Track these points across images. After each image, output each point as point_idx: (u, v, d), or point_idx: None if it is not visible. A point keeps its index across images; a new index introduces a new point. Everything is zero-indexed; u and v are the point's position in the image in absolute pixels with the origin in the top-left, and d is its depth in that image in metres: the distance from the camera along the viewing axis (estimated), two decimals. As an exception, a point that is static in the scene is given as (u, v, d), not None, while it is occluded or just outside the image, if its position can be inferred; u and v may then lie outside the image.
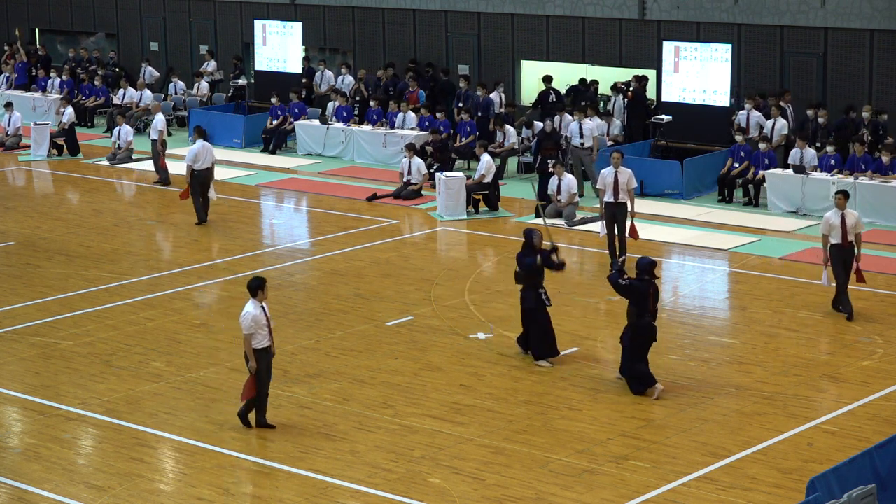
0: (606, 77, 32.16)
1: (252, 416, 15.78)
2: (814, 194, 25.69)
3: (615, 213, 22.02)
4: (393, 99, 32.85)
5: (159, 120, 29.92)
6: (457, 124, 30.90)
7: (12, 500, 14.10)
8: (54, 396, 17.00)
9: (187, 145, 33.64)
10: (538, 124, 29.46)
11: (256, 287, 15.55)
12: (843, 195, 19.80)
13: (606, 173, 22.10)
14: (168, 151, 30.32)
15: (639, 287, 16.83)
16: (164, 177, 29.60)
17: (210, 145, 26.33)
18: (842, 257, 19.55)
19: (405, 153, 28.31)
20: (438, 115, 31.02)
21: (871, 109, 27.25)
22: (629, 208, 22.07)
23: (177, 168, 29.89)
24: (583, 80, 32.10)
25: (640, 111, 30.32)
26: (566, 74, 32.81)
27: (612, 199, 22.00)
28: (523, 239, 18.30)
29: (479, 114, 31.17)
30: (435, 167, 28.70)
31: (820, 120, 27.50)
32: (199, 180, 25.77)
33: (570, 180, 25.66)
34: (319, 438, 15.50)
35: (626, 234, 22.18)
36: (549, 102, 31.08)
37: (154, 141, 29.69)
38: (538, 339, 17.96)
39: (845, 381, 17.13)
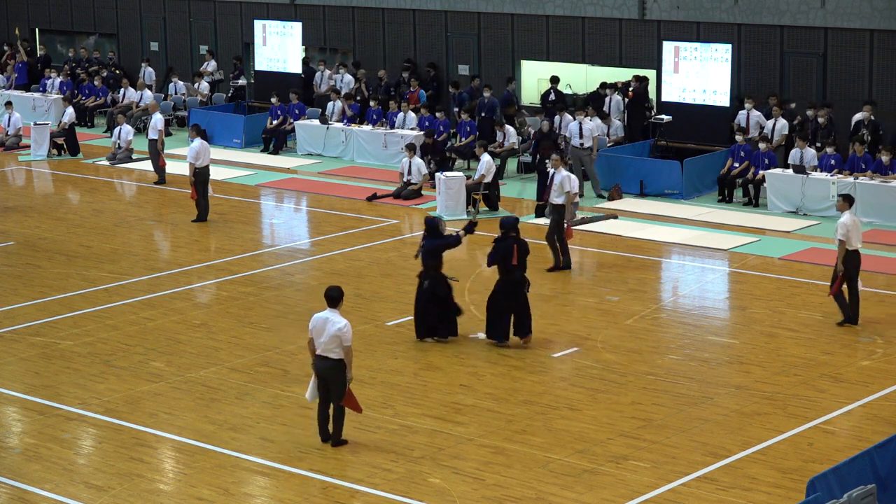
0: (605, 77, 32.16)
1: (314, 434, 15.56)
2: (814, 194, 25.68)
3: (550, 213, 22.44)
4: (393, 99, 32.86)
5: (158, 119, 29.92)
6: (457, 124, 30.91)
7: (12, 500, 14.10)
8: (54, 396, 17.00)
9: (187, 145, 33.75)
10: (538, 122, 29.48)
11: (341, 296, 15.24)
12: (842, 198, 19.47)
13: (553, 175, 22.38)
14: (167, 151, 30.33)
15: (501, 247, 18.37)
16: (162, 176, 29.63)
17: (206, 143, 26.39)
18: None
19: (405, 153, 28.31)
20: (438, 114, 31.04)
21: (871, 109, 27.27)
22: (566, 210, 22.18)
23: (175, 167, 29.91)
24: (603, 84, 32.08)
25: (641, 111, 30.32)
26: (566, 74, 32.82)
27: (552, 200, 22.50)
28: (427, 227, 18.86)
29: (484, 114, 31.13)
30: (432, 167, 28.73)
31: (820, 120, 27.49)
32: (201, 178, 25.88)
33: (564, 177, 25.59)
34: (319, 438, 15.48)
35: (564, 235, 22.30)
36: (550, 102, 31.08)
37: (153, 140, 29.68)
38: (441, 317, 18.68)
39: (845, 381, 17.13)
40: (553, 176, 22.77)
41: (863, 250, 23.27)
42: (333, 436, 15.27)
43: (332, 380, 15.08)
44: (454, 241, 18.94)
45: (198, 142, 26.07)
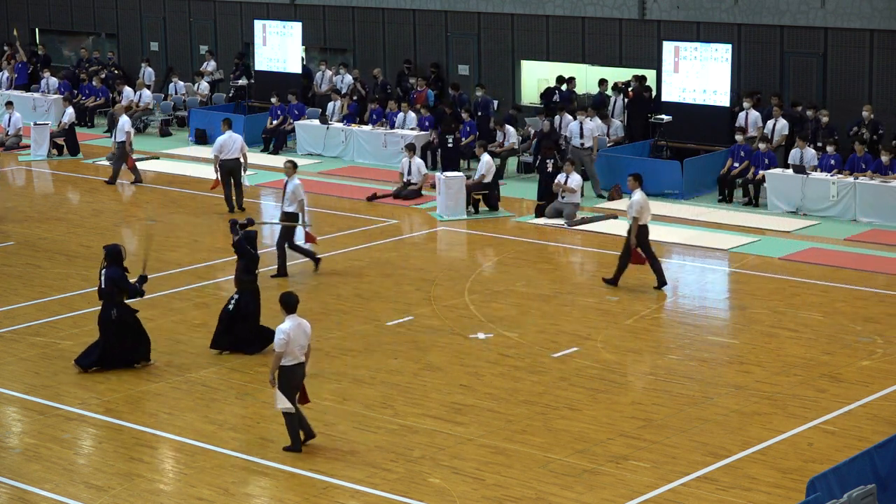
0: (605, 77, 32.16)
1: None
2: (814, 194, 25.68)
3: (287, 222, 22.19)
4: (392, 98, 32.86)
5: (126, 122, 29.94)
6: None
7: (12, 500, 14.10)
8: (54, 396, 17.00)
9: (188, 145, 33.81)
10: (538, 122, 29.50)
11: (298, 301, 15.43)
12: (633, 177, 21.53)
13: (286, 183, 22.22)
14: (169, 152, 30.30)
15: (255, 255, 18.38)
16: (137, 175, 29.64)
17: (238, 136, 27.02)
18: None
19: (405, 153, 28.31)
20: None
21: (871, 109, 27.27)
22: (301, 217, 22.07)
23: (174, 168, 29.88)
24: (560, 78, 32.09)
25: (641, 111, 30.30)
26: (565, 74, 32.82)
27: (281, 208, 22.29)
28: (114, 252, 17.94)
29: (479, 113, 31.14)
30: (450, 140, 28.70)
31: (823, 119, 27.41)
32: (226, 170, 26.60)
33: (578, 179, 25.70)
34: (319, 438, 15.47)
35: (305, 241, 22.32)
36: (553, 102, 31.04)
37: (122, 143, 29.64)
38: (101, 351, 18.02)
39: (845, 381, 17.13)
40: (287, 183, 22.17)
41: (863, 250, 23.38)
42: (303, 436, 15.24)
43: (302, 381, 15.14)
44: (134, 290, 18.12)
45: (227, 134, 26.81)
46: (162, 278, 22.05)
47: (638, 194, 21.14)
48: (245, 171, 26.89)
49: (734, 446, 15.09)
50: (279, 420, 16.06)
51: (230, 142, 26.66)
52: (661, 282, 21.11)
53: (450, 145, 28.85)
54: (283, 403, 14.86)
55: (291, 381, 14.89)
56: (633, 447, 15.12)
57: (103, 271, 17.76)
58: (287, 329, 14.84)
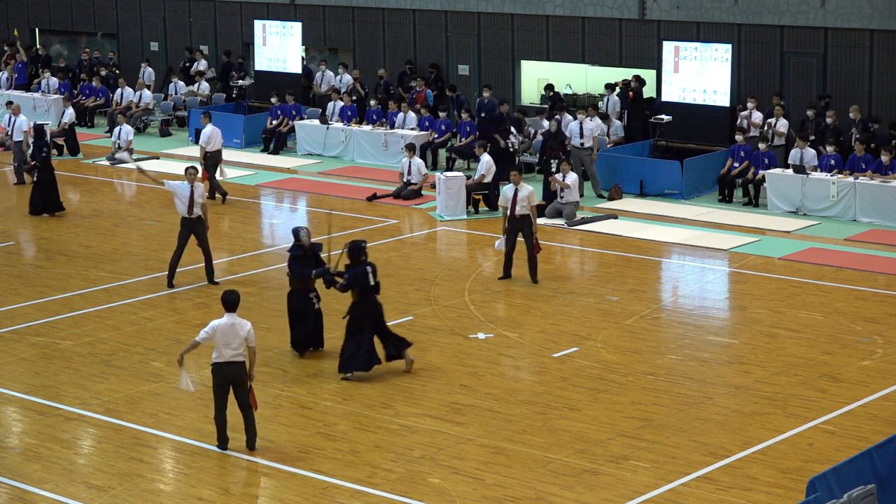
0: (605, 77, 32.16)
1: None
2: (814, 194, 25.68)
3: (192, 229, 21.52)
4: (393, 98, 32.86)
5: (23, 121, 29.87)
6: (457, 124, 30.92)
7: (12, 500, 14.11)
8: (54, 396, 17.01)
9: (187, 145, 33.79)
10: (544, 124, 29.47)
11: (239, 300, 15.29)
12: (517, 171, 21.94)
13: (192, 189, 21.49)
14: (169, 152, 30.22)
15: (357, 273, 17.75)
16: (23, 176, 29.57)
17: (217, 129, 27.99)
18: (513, 227, 21.44)
19: (405, 153, 28.31)
20: (441, 114, 31.09)
21: (858, 110, 27.29)
22: (206, 223, 21.59)
23: (171, 166, 29.83)
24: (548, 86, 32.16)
25: (641, 111, 30.30)
26: (566, 74, 32.83)
27: (186, 214, 21.48)
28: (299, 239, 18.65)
29: (483, 115, 31.09)
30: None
31: (828, 120, 27.38)
32: (212, 162, 27.46)
33: (575, 177, 25.71)
34: (319, 438, 15.50)
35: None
36: (562, 103, 31.01)
37: (19, 142, 29.58)
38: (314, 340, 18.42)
39: (845, 381, 17.13)
40: (192, 189, 21.32)
41: (863, 250, 23.42)
42: (251, 440, 15.19)
43: (242, 384, 15.09)
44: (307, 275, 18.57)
45: (209, 127, 27.62)
46: (162, 278, 22.04)
47: (528, 187, 21.65)
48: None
49: (734, 446, 15.09)
50: (279, 420, 16.09)
51: (214, 134, 27.57)
52: (506, 275, 21.73)
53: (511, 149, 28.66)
54: (185, 386, 15.33)
55: (216, 378, 15.03)
56: (633, 447, 15.12)
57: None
58: (215, 324, 15.02)
